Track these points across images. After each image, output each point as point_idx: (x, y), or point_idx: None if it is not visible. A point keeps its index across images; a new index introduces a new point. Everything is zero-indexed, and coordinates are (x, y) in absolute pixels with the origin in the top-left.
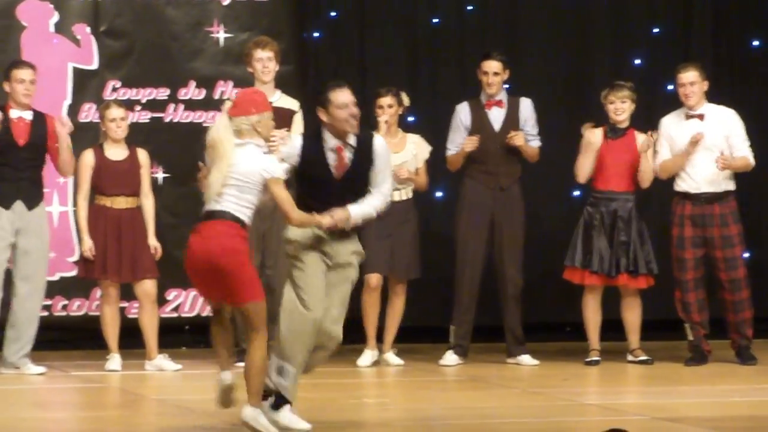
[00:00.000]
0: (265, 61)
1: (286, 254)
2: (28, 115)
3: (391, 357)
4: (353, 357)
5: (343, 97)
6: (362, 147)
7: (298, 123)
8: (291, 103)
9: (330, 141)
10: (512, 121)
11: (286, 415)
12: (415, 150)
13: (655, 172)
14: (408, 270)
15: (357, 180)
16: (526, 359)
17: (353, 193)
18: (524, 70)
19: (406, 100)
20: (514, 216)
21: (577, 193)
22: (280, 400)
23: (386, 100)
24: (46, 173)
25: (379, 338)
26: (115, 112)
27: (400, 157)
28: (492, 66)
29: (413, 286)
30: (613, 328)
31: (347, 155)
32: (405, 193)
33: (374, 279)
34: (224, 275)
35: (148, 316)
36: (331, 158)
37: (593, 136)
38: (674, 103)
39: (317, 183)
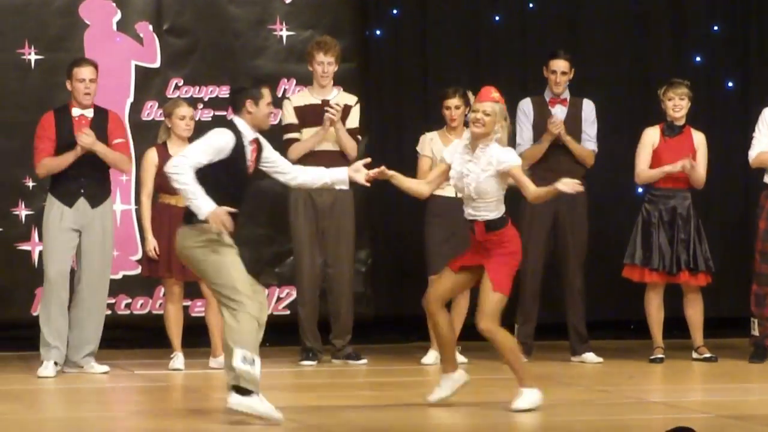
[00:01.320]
0: (325, 66)
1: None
2: (89, 113)
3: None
4: (418, 355)
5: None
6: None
7: (354, 115)
8: (349, 99)
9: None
10: (575, 120)
11: (259, 402)
12: None
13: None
14: None
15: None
16: (590, 357)
17: None
18: (585, 68)
19: (472, 100)
20: (577, 214)
21: (640, 190)
22: (247, 390)
23: (454, 101)
24: (111, 171)
25: None
26: (185, 110)
27: None
28: (560, 65)
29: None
30: (677, 325)
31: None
32: None
33: None
34: None
35: (214, 313)
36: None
37: (649, 135)
38: (734, 100)
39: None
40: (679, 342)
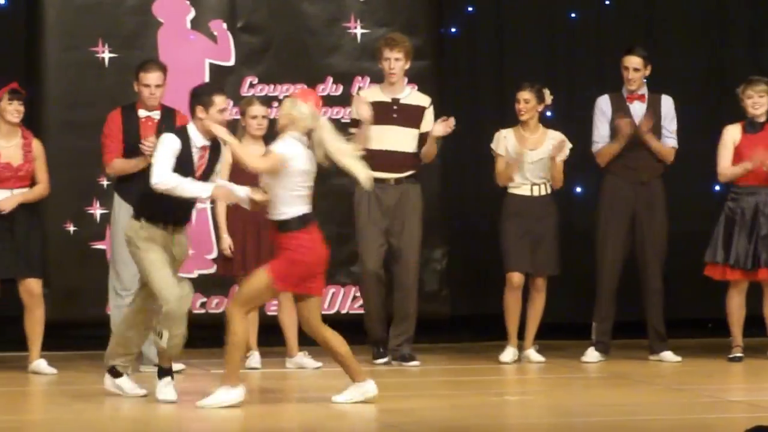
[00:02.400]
0: (392, 62)
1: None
2: (156, 114)
3: (532, 354)
4: (495, 354)
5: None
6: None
7: (429, 118)
8: (421, 99)
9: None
10: (653, 116)
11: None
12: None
13: None
14: (549, 266)
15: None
16: (668, 356)
17: None
18: (661, 65)
19: (548, 98)
20: (655, 211)
21: (717, 188)
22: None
23: (523, 95)
24: None
25: (521, 335)
26: (257, 109)
27: (537, 153)
28: (633, 62)
29: (554, 283)
30: (756, 324)
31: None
32: (544, 188)
33: (516, 278)
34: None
35: (288, 313)
36: (196, 156)
37: (730, 132)
38: None
39: None
40: (758, 341)
